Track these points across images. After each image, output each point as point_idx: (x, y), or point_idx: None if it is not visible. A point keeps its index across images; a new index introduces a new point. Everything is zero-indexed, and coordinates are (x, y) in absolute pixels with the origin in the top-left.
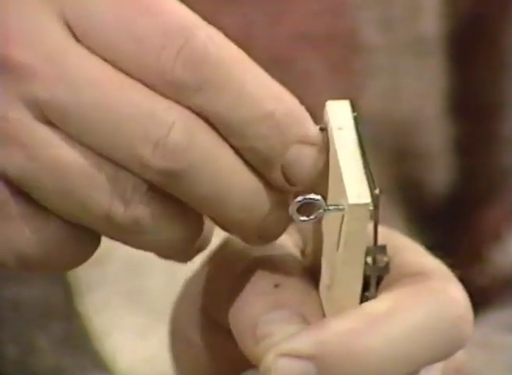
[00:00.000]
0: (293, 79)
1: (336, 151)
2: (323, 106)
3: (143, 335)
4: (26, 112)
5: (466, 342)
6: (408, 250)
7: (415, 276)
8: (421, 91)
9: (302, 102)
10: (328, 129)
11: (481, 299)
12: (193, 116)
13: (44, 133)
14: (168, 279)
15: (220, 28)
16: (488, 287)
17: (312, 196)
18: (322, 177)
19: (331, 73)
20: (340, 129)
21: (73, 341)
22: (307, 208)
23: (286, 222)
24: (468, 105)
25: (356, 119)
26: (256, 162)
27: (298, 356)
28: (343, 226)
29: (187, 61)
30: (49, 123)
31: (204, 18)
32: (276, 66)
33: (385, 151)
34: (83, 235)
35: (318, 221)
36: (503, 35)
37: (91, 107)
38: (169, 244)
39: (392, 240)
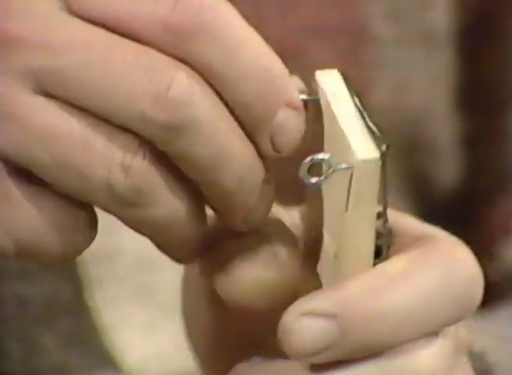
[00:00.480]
0: (303, 70)
1: (334, 115)
2: None
3: (152, 330)
4: (19, 84)
5: (477, 304)
6: (407, 217)
7: (422, 240)
8: (430, 85)
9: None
10: (321, 96)
11: (492, 294)
12: (193, 72)
13: (38, 103)
14: (177, 274)
15: None
16: (500, 282)
17: (321, 156)
18: (306, 147)
19: (341, 65)
20: (334, 95)
21: (80, 338)
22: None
23: (270, 204)
24: (477, 100)
25: (348, 84)
26: (248, 124)
27: (320, 315)
28: (353, 184)
29: (185, 8)
30: (44, 93)
31: None
32: (287, 57)
33: (394, 145)
34: (82, 217)
35: (315, 195)
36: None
37: (88, 68)
38: (168, 223)
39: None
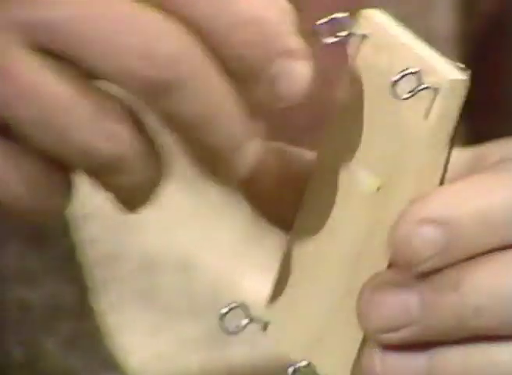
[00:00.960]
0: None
1: (405, 43)
2: None
3: (155, 333)
4: (9, 36)
5: None
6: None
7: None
8: None
9: None
10: (377, 31)
11: None
12: (184, 29)
13: (27, 58)
14: (181, 277)
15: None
16: None
17: (410, 70)
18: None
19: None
20: (396, 28)
21: (83, 342)
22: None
23: (252, 161)
24: (479, 104)
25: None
26: (242, 75)
27: (435, 222)
28: (436, 105)
29: None
30: (35, 48)
31: None
32: None
33: None
34: (57, 178)
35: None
36: None
37: (79, 21)
38: (139, 187)
39: None
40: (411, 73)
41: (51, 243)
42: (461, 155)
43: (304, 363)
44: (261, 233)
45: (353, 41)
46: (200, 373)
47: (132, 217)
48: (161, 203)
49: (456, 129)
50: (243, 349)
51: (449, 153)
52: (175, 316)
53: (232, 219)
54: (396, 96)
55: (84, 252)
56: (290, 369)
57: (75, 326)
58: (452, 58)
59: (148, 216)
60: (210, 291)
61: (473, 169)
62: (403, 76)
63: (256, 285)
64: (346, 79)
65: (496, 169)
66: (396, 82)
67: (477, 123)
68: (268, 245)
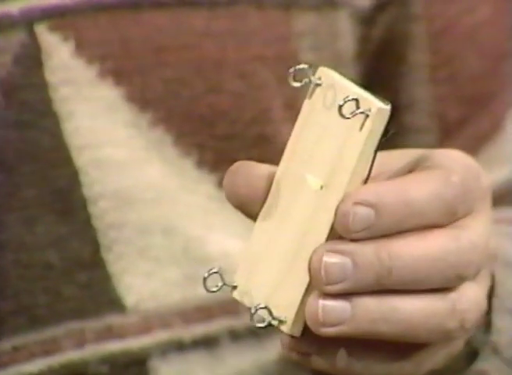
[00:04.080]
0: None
1: (346, 85)
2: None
3: (148, 277)
4: None
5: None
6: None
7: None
8: None
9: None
10: (325, 81)
11: None
12: None
13: None
14: (166, 237)
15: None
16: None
17: (356, 95)
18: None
19: (280, 87)
20: (337, 78)
21: (95, 287)
22: None
23: None
24: None
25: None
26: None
27: (365, 204)
28: (366, 127)
29: None
30: None
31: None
32: (242, 79)
33: None
34: None
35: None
36: (408, 53)
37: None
38: None
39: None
40: (353, 99)
41: (74, 213)
42: (394, 157)
43: (262, 305)
44: (224, 199)
45: (311, 86)
46: (180, 306)
47: (130, 195)
48: (151, 183)
49: (380, 143)
50: None
51: (373, 159)
52: (162, 265)
53: (204, 192)
54: (342, 116)
55: (97, 220)
56: (252, 309)
57: (88, 275)
58: (355, 73)
59: (142, 194)
60: (186, 246)
61: (408, 171)
62: (346, 102)
63: (220, 239)
64: (303, 108)
65: (416, 174)
66: (342, 105)
67: None
68: (229, 208)
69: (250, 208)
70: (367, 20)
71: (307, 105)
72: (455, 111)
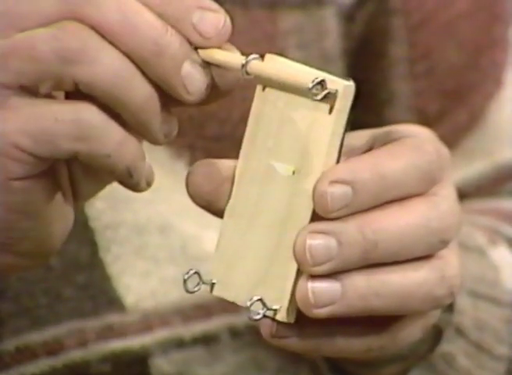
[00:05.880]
0: None
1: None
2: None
3: (146, 276)
4: None
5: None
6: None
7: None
8: None
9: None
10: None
11: None
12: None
13: None
14: (162, 236)
15: None
16: None
17: (320, 78)
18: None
19: None
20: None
21: (94, 287)
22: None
23: (175, 123)
24: (363, 101)
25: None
26: (170, 21)
27: (341, 182)
28: (336, 103)
29: None
30: None
31: None
32: None
33: None
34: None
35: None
36: (387, 47)
37: None
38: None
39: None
40: (321, 80)
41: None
42: (361, 136)
43: (257, 297)
44: None
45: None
46: (179, 304)
47: (126, 195)
48: None
49: (348, 120)
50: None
51: (343, 138)
52: (159, 264)
53: None
54: (312, 98)
55: (94, 221)
56: (248, 302)
57: (87, 276)
58: (341, 68)
59: (137, 193)
60: (182, 244)
61: (368, 148)
62: (317, 84)
63: (215, 238)
64: (256, 99)
65: (386, 148)
66: (311, 88)
67: (364, 116)
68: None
69: (216, 205)
70: (348, 17)
71: (259, 96)
72: (434, 104)
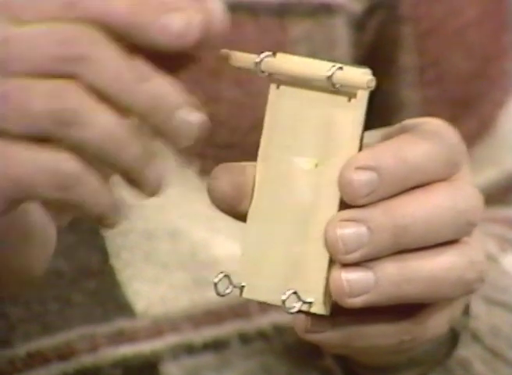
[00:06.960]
0: None
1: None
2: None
3: (156, 283)
4: None
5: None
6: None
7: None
8: None
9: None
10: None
11: None
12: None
13: None
14: (171, 242)
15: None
16: None
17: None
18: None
19: None
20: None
21: (102, 294)
22: None
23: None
24: (372, 109)
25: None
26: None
27: (366, 168)
28: (358, 95)
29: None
30: None
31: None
32: (239, 87)
33: None
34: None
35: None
36: (396, 55)
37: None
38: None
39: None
40: (339, 67)
41: (82, 222)
42: (374, 135)
43: (290, 292)
44: None
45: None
46: (190, 310)
47: (136, 202)
48: None
49: (367, 108)
50: None
51: (363, 127)
52: (169, 269)
53: (206, 199)
54: (331, 88)
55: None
56: (284, 296)
57: (97, 282)
58: None
59: (148, 201)
60: (192, 250)
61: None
62: (331, 75)
63: (225, 242)
64: (270, 97)
65: (407, 134)
66: (330, 75)
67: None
68: None
69: (239, 209)
70: (358, 26)
71: (274, 94)
72: (443, 112)
